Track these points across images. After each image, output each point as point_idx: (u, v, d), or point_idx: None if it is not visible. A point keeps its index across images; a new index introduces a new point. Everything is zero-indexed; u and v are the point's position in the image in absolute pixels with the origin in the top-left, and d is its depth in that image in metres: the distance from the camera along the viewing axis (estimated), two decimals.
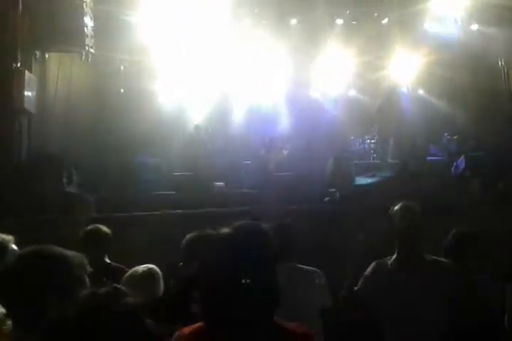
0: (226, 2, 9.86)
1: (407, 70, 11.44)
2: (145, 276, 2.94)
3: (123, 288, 1.03)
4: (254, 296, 1.50)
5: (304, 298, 2.90)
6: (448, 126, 10.72)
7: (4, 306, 1.50)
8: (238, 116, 11.41)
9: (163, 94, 10.86)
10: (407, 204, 2.87)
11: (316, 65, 11.64)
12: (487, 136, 9.57)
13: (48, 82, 8.78)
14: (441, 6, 10.65)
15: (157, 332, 0.99)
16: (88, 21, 8.14)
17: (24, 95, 7.15)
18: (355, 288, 2.87)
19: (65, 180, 7.16)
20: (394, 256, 2.87)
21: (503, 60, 10.26)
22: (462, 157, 8.91)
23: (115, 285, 1.03)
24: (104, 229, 3.63)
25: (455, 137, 10.22)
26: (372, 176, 8.73)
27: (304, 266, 3.15)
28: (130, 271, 2.98)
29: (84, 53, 8.24)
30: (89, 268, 1.64)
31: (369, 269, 2.90)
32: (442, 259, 2.88)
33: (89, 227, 3.64)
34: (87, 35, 8.08)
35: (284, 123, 11.22)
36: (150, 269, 2.99)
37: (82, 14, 7.99)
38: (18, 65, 7.22)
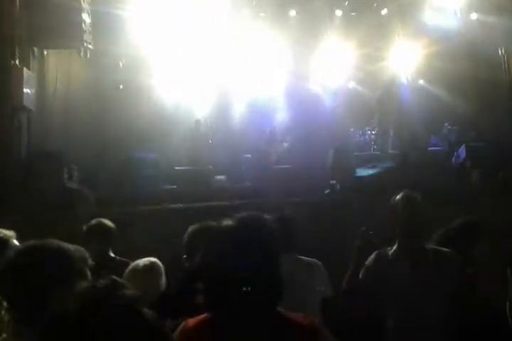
0: None
1: (406, 61, 11.40)
2: (147, 270, 2.94)
3: (121, 280, 1.04)
4: (257, 288, 1.51)
5: (305, 288, 2.92)
6: (448, 116, 10.70)
7: (5, 300, 1.51)
8: (238, 110, 11.39)
9: (162, 89, 10.83)
10: (409, 193, 2.87)
11: (316, 56, 11.59)
12: (487, 126, 9.55)
13: (47, 78, 8.77)
14: None
15: (158, 324, 0.99)
16: (85, 17, 8.11)
17: (23, 92, 7.14)
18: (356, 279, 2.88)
19: (65, 176, 7.16)
20: (395, 246, 2.88)
21: (503, 49, 10.21)
22: (463, 146, 8.91)
23: (113, 277, 1.03)
24: (108, 223, 3.65)
25: (455, 127, 10.20)
26: (373, 167, 8.74)
27: (304, 257, 3.18)
28: (132, 265, 2.98)
29: (82, 49, 8.22)
30: (90, 262, 1.64)
31: (370, 259, 2.91)
32: (443, 249, 2.88)
33: (93, 222, 3.66)
34: (85, 31, 8.05)
35: (284, 115, 11.19)
36: (152, 262, 3.00)
37: (80, 10, 7.96)
38: (17, 62, 7.20)
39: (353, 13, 11.54)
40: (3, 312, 1.59)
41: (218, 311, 1.56)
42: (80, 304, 0.95)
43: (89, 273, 1.58)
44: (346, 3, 11.37)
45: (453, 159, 9.03)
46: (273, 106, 11.35)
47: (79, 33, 7.92)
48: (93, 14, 8.43)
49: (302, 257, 3.18)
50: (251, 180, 8.54)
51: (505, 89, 10.25)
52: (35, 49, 8.01)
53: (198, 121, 10.18)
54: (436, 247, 2.89)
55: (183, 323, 1.66)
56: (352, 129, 11.41)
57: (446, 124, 10.49)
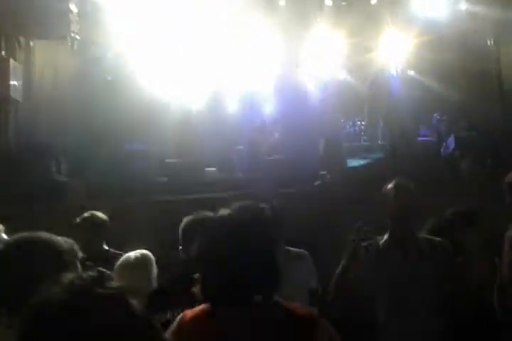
0: None
1: (396, 51, 11.39)
2: (139, 262, 2.94)
3: (108, 272, 1.03)
4: (256, 276, 1.50)
5: (294, 280, 2.93)
6: (438, 106, 10.73)
7: None
8: (228, 101, 11.33)
9: (151, 80, 10.73)
10: (401, 182, 2.87)
11: (306, 46, 11.54)
12: (476, 115, 9.60)
13: (34, 70, 8.64)
14: None
15: (146, 316, 0.98)
16: (73, 7, 8.00)
17: (10, 84, 7.05)
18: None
19: (53, 168, 7.11)
20: (386, 235, 2.89)
21: (492, 39, 10.24)
22: (452, 137, 8.96)
23: (99, 269, 1.02)
24: (101, 215, 3.65)
25: (444, 117, 10.25)
26: (364, 158, 8.76)
27: (291, 248, 3.19)
28: (123, 258, 2.98)
29: (69, 39, 8.11)
30: (80, 254, 1.63)
31: (361, 251, 2.91)
32: (435, 238, 2.89)
33: (86, 214, 3.65)
34: (72, 21, 7.95)
35: (274, 106, 11.15)
36: (143, 255, 3.00)
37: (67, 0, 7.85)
38: (3, 53, 7.10)
39: (343, 3, 11.48)
40: None
41: (217, 301, 1.56)
42: (65, 294, 0.93)
43: (79, 266, 1.57)
44: None
45: (442, 149, 9.08)
46: (263, 97, 11.30)
47: (66, 22, 7.82)
48: (80, 4, 8.31)
49: (289, 248, 3.19)
50: (242, 171, 8.52)
51: (494, 79, 10.30)
52: (22, 40, 7.89)
53: (189, 112, 10.12)
54: (428, 236, 2.91)
55: (180, 316, 1.65)
56: (342, 120, 11.41)
57: (435, 115, 10.52)
